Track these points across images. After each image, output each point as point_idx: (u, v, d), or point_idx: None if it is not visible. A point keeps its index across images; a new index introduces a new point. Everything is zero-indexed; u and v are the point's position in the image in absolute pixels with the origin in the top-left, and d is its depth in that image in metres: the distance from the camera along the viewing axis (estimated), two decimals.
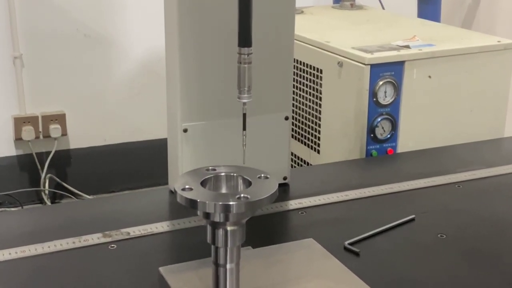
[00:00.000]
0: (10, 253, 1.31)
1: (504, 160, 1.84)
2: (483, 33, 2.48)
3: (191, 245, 1.36)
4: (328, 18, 2.67)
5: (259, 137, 1.55)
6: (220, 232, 1.02)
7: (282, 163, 1.63)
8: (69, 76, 3.14)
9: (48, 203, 3.09)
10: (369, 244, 1.37)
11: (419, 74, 2.04)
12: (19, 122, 3.08)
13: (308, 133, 2.27)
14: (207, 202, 0.98)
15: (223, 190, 1.07)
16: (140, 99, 3.27)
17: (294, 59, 2.26)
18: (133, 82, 3.25)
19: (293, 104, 2.31)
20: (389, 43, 2.13)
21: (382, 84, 2.00)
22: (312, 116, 2.23)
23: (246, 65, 1.15)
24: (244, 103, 1.19)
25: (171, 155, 1.59)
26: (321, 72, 2.16)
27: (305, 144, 2.30)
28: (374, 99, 2.00)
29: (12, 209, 2.96)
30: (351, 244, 1.35)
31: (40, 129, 3.11)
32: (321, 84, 2.17)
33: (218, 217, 1.00)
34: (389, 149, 2.06)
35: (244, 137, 1.23)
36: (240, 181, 1.06)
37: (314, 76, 2.20)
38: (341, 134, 2.10)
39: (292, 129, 2.33)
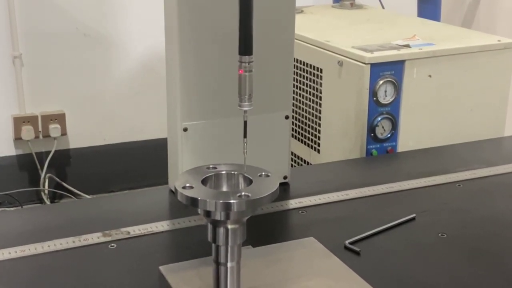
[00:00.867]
0: (10, 253, 1.31)
1: (504, 159, 1.84)
2: (483, 32, 2.48)
3: (191, 244, 1.36)
4: (328, 17, 2.67)
5: (259, 136, 1.55)
6: (221, 230, 1.03)
7: (282, 162, 1.63)
8: (69, 76, 3.13)
9: (48, 202, 3.09)
10: (370, 243, 1.37)
11: (419, 73, 2.04)
12: (19, 122, 3.08)
13: (308, 133, 2.27)
14: (208, 200, 0.98)
15: (224, 188, 1.07)
16: (139, 99, 3.27)
17: (294, 58, 2.27)
18: (133, 82, 3.25)
19: (293, 103, 2.31)
20: (389, 42, 2.13)
21: (382, 83, 2.00)
22: (312, 116, 2.23)
23: (247, 73, 1.15)
24: (245, 111, 1.19)
25: (171, 154, 1.59)
26: (321, 72, 2.16)
27: (305, 144, 2.29)
28: (374, 99, 2.00)
29: (12, 208, 2.96)
30: (351, 243, 1.35)
31: (40, 129, 3.11)
32: (321, 83, 2.17)
33: (219, 215, 1.00)
34: (389, 148, 2.05)
35: (245, 144, 1.23)
36: (241, 180, 1.06)
37: (314, 76, 2.19)
38: (341, 134, 2.10)
39: (292, 128, 2.33)
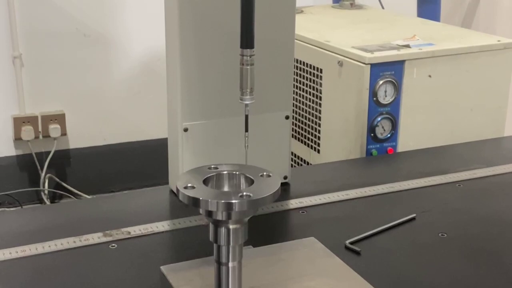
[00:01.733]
0: (10, 253, 1.31)
1: (505, 159, 1.84)
2: (483, 32, 2.49)
3: (192, 244, 1.36)
4: (328, 17, 2.67)
5: (259, 136, 1.55)
6: (223, 230, 1.03)
7: (282, 162, 1.63)
8: (69, 76, 3.14)
9: (48, 203, 3.09)
10: (370, 243, 1.37)
11: (419, 73, 2.04)
12: (19, 122, 3.08)
13: (308, 133, 2.27)
14: (209, 200, 0.98)
15: (226, 189, 1.07)
16: (139, 99, 3.27)
17: (294, 58, 2.27)
18: (132, 82, 3.25)
19: (293, 103, 2.31)
20: (389, 42, 2.13)
21: (382, 83, 2.00)
22: (312, 116, 2.23)
23: (248, 67, 1.16)
24: (247, 105, 1.19)
25: (171, 155, 1.59)
26: (321, 72, 2.16)
27: (305, 144, 2.30)
28: (374, 99, 2.00)
29: (12, 209, 2.96)
30: (352, 243, 1.35)
31: (40, 129, 3.11)
32: (321, 83, 2.17)
33: (220, 215, 1.00)
34: (389, 148, 2.06)
35: (246, 138, 1.24)
36: (242, 180, 1.06)
37: (314, 76, 2.20)
38: (341, 134, 2.10)
39: (292, 128, 2.33)
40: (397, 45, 2.09)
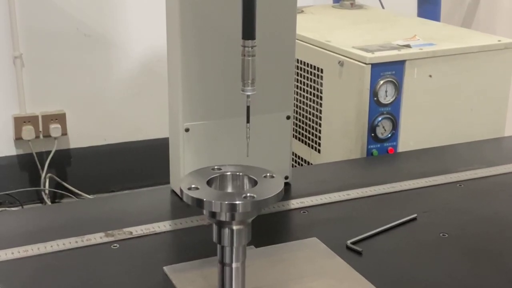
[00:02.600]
0: (13, 253, 1.31)
1: (505, 159, 1.84)
2: (483, 32, 2.49)
3: (194, 244, 1.36)
4: (328, 17, 2.67)
5: (260, 136, 1.55)
6: (226, 231, 1.03)
7: (283, 163, 1.63)
8: (69, 76, 3.14)
9: (48, 202, 3.09)
10: (371, 243, 1.37)
11: (420, 73, 2.04)
12: (19, 122, 3.08)
13: (309, 133, 2.27)
14: (213, 201, 0.99)
15: (229, 190, 1.07)
16: (140, 99, 3.27)
17: (295, 58, 2.28)
18: (133, 82, 3.25)
19: (293, 103, 2.31)
20: (389, 42, 2.13)
21: (383, 83, 2.00)
22: (313, 116, 2.23)
23: (250, 58, 1.16)
24: (248, 96, 1.20)
25: (172, 155, 1.59)
26: (321, 72, 2.17)
27: (305, 144, 2.30)
28: (375, 99, 2.00)
29: (12, 208, 2.96)
30: (353, 243, 1.36)
31: (40, 129, 3.11)
32: (321, 83, 2.17)
33: (224, 216, 1.01)
34: (389, 148, 2.06)
35: (248, 129, 1.24)
36: (246, 180, 1.06)
37: (314, 76, 2.20)
38: (341, 134, 2.10)
39: (293, 128, 2.33)
40: (398, 45, 2.09)
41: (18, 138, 3.10)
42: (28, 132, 3.07)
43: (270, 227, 1.45)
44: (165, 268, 1.24)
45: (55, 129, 3.11)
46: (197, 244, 1.36)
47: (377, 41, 2.15)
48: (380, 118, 2.02)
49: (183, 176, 1.07)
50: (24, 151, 3.14)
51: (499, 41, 2.17)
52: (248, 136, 1.25)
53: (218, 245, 1.05)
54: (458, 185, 1.68)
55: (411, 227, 1.45)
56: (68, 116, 3.15)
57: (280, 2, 1.54)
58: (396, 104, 2.03)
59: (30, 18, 3.02)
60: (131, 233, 1.40)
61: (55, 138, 3.13)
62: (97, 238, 1.38)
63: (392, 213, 1.50)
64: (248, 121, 1.23)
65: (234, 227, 1.02)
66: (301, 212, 1.52)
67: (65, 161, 3.22)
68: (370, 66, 1.98)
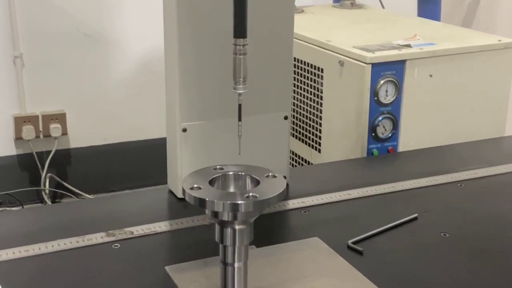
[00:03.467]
0: (14, 252, 1.31)
1: (506, 159, 1.84)
2: (483, 32, 2.49)
3: (195, 244, 1.36)
4: (328, 17, 2.68)
5: (258, 136, 1.55)
6: (228, 231, 1.03)
7: (281, 163, 1.62)
8: (70, 76, 3.13)
9: (49, 202, 3.09)
10: (372, 243, 1.37)
11: (420, 73, 2.04)
12: (20, 122, 3.08)
13: (309, 132, 2.27)
14: (215, 201, 0.99)
15: (232, 189, 1.07)
16: (140, 99, 3.27)
17: (295, 58, 2.28)
18: (133, 82, 3.25)
19: (294, 103, 2.31)
20: (390, 42, 2.13)
21: (383, 83, 2.00)
22: (313, 115, 2.23)
23: (241, 56, 1.17)
24: (240, 94, 1.20)
25: (170, 155, 1.59)
26: (322, 71, 2.17)
27: (306, 143, 2.30)
28: (375, 98, 2.00)
29: (13, 208, 2.96)
30: (354, 243, 1.36)
31: (41, 129, 3.11)
32: (322, 83, 2.17)
33: (226, 216, 1.01)
34: (390, 148, 2.06)
35: (240, 127, 1.25)
36: (248, 180, 1.06)
37: (315, 75, 2.20)
38: (342, 133, 2.11)
39: (293, 128, 2.34)
40: (398, 44, 2.10)
41: (18, 138, 3.10)
42: (28, 132, 3.07)
43: (271, 227, 1.45)
44: (166, 268, 1.24)
45: (55, 129, 3.11)
46: (198, 244, 1.36)
47: (377, 40, 2.15)
48: (380, 118, 2.02)
49: (186, 175, 1.07)
50: (24, 151, 3.14)
51: (499, 41, 2.17)
52: (240, 134, 1.25)
53: (220, 245, 1.05)
54: (459, 184, 1.68)
55: (412, 226, 1.45)
56: (68, 116, 3.15)
57: (278, 1, 1.53)
58: (396, 104, 2.03)
59: (30, 18, 3.02)
60: (132, 232, 1.40)
61: (55, 138, 3.13)
62: (98, 238, 1.38)
63: (393, 213, 1.50)
64: (240, 119, 1.23)
65: (237, 227, 1.02)
66: (302, 212, 1.52)
67: (65, 161, 3.22)
68: (370, 65, 1.98)
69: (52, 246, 1.34)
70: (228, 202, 0.98)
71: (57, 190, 3.17)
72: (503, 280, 1.26)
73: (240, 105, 1.22)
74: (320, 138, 2.22)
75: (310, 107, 2.24)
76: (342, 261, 1.27)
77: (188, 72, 1.49)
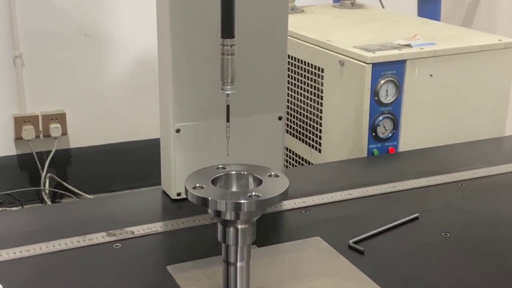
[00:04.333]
0: (15, 252, 1.31)
1: (506, 159, 1.84)
2: (483, 31, 2.49)
3: (196, 244, 1.36)
4: (328, 17, 2.68)
5: (252, 137, 1.55)
6: (231, 230, 1.03)
7: (275, 163, 1.60)
8: (70, 76, 3.14)
9: (49, 202, 3.09)
10: (373, 243, 1.37)
11: (421, 73, 2.04)
12: (19, 122, 3.08)
13: (310, 132, 2.27)
14: (218, 200, 0.99)
15: (234, 189, 1.07)
16: (140, 99, 3.27)
17: (295, 58, 2.28)
18: (133, 82, 3.25)
19: (294, 103, 2.31)
20: (390, 42, 2.13)
21: (384, 83, 2.00)
22: (314, 115, 2.23)
23: (229, 57, 1.16)
24: (228, 95, 1.20)
25: (164, 155, 1.59)
26: (322, 71, 2.17)
27: (306, 143, 2.30)
28: (376, 98, 2.00)
29: (13, 208, 2.96)
30: (355, 242, 1.36)
31: (40, 129, 3.11)
32: (322, 83, 2.17)
33: (229, 215, 1.01)
34: (390, 148, 2.06)
35: (228, 128, 1.25)
36: (251, 180, 1.06)
37: (315, 75, 2.20)
38: (342, 133, 2.11)
39: (293, 128, 2.34)
40: (398, 44, 2.10)
41: (18, 138, 3.10)
42: (28, 132, 3.07)
43: (272, 227, 1.45)
44: (168, 267, 1.24)
45: (55, 129, 3.11)
46: (199, 244, 1.36)
47: (377, 40, 2.15)
48: (381, 118, 2.02)
49: (189, 175, 1.07)
50: (24, 151, 3.14)
51: (499, 40, 2.17)
52: (228, 136, 1.25)
53: (223, 244, 1.05)
54: (459, 184, 1.68)
55: (413, 226, 1.46)
56: (68, 116, 3.15)
57: (271, 1, 1.52)
58: (397, 103, 2.03)
59: (30, 18, 3.02)
60: (133, 232, 1.40)
61: (55, 138, 3.13)
62: (99, 237, 1.38)
63: (394, 212, 1.50)
64: (228, 120, 1.23)
65: (239, 226, 1.02)
66: (303, 211, 1.52)
67: (65, 161, 3.22)
68: (371, 65, 1.98)
69: (53, 246, 1.34)
70: (231, 201, 0.98)
71: (57, 190, 3.17)
72: (504, 280, 1.26)
73: (228, 106, 1.22)
74: (320, 138, 2.22)
75: (311, 107, 2.24)
76: (344, 261, 1.27)
77: (181, 73, 1.49)
